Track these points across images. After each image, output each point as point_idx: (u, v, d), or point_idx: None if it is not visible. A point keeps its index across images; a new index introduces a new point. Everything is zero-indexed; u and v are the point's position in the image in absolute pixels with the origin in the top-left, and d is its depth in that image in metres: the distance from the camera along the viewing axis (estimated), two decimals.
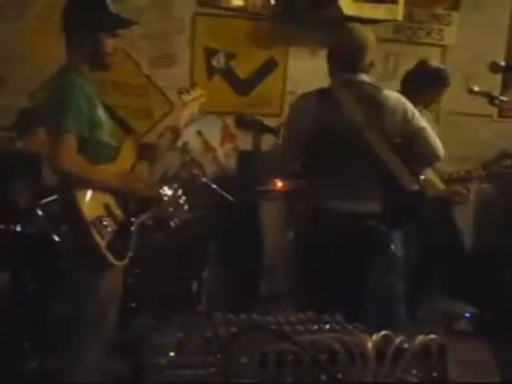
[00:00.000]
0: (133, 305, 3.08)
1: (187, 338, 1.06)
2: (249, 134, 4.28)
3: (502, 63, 2.23)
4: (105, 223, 2.22)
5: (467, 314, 4.12)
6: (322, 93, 2.68)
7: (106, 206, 2.26)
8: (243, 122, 3.67)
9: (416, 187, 2.63)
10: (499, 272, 4.17)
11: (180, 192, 3.47)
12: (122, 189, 2.32)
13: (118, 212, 2.30)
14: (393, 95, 2.63)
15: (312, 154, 2.69)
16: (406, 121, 2.60)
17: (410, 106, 2.64)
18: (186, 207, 3.46)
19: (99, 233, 2.19)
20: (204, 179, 3.65)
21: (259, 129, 3.44)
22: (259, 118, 3.46)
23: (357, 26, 2.69)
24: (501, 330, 3.66)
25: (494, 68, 2.17)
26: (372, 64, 2.65)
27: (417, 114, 2.64)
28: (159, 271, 3.25)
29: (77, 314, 2.31)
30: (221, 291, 3.48)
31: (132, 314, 3.01)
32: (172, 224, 3.35)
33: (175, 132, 2.60)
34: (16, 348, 2.82)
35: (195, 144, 4.14)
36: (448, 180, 3.45)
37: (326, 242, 2.58)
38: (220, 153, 4.47)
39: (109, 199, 2.28)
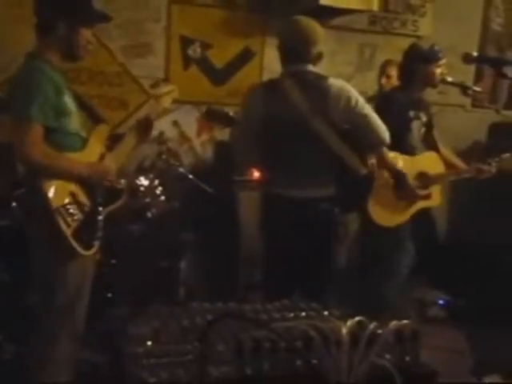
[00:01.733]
0: (109, 295, 3.07)
1: (164, 327, 1.07)
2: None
3: (475, 54, 2.27)
4: (71, 211, 2.20)
5: (441, 301, 4.20)
6: (268, 84, 2.81)
7: (73, 194, 2.23)
8: (211, 115, 3.68)
9: (363, 171, 2.76)
10: (472, 259, 4.25)
11: (156, 182, 3.46)
12: (89, 178, 2.31)
13: (85, 200, 2.29)
14: (337, 83, 2.69)
15: (263, 144, 2.78)
16: (349, 107, 2.66)
17: (354, 93, 2.70)
18: (162, 197, 3.45)
19: (64, 220, 2.17)
20: (181, 169, 3.63)
21: (227, 121, 3.47)
22: (226, 110, 3.49)
23: (303, 19, 2.75)
24: (473, 317, 3.74)
25: (467, 59, 2.20)
26: (320, 55, 2.71)
27: (361, 101, 2.71)
28: (136, 261, 3.24)
29: (46, 303, 2.30)
30: (198, 281, 3.49)
31: (108, 305, 3.00)
32: (149, 214, 3.34)
33: (147, 123, 2.58)
34: None
35: (171, 134, 4.12)
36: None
37: (281, 227, 2.70)
38: (196, 143, 4.46)
39: (75, 187, 2.26)
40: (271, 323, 0.95)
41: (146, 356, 0.97)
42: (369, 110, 2.75)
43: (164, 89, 2.71)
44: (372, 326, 0.93)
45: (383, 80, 4.10)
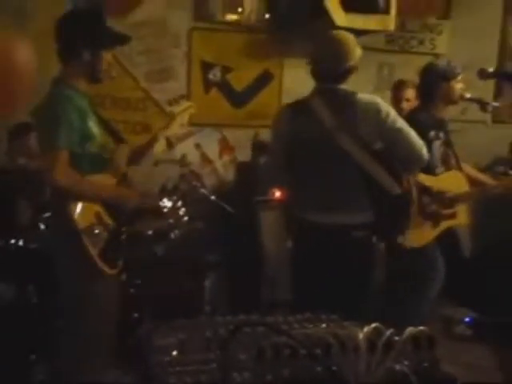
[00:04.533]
0: (135, 315, 3.12)
1: (189, 338, 1.11)
2: (246, 146, 4.35)
3: (490, 70, 2.29)
4: (96, 232, 2.27)
5: (467, 319, 4.15)
6: (297, 103, 2.72)
7: (97, 215, 2.31)
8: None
9: (398, 191, 2.57)
10: (498, 276, 4.20)
11: (180, 203, 3.53)
12: (113, 200, 2.37)
13: (108, 221, 2.35)
14: (365, 97, 2.58)
15: (292, 165, 2.69)
16: (380, 121, 2.53)
17: (384, 106, 2.57)
18: (185, 218, 3.51)
19: (91, 241, 2.24)
20: (203, 191, 3.70)
21: None
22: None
23: (333, 35, 2.68)
24: (500, 334, 3.69)
25: (482, 74, 2.23)
26: (351, 69, 2.60)
27: (393, 113, 2.57)
28: (160, 281, 3.29)
29: (74, 324, 2.35)
30: (222, 301, 3.52)
31: (135, 324, 3.04)
32: (172, 235, 3.40)
33: (168, 142, 2.65)
34: (22, 361, 2.85)
35: (194, 156, 4.20)
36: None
37: (314, 255, 2.54)
38: (218, 164, 4.53)
39: (99, 208, 2.33)
40: (291, 331, 0.99)
41: (171, 365, 1.01)
42: (403, 124, 2.59)
43: (182, 106, 2.76)
44: (388, 332, 0.96)
45: (404, 104, 4.05)
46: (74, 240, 2.23)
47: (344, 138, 2.52)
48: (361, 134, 2.52)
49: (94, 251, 2.24)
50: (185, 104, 2.78)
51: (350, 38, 2.64)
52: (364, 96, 2.59)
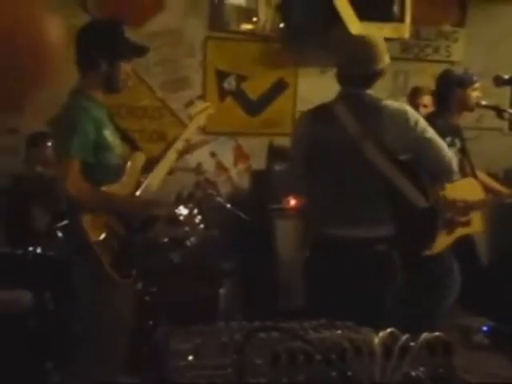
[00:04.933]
0: (150, 323, 3.13)
1: (204, 343, 1.12)
2: (261, 154, 4.36)
3: (506, 76, 2.28)
4: (109, 242, 2.29)
5: (485, 328, 4.11)
6: (319, 108, 2.58)
7: (109, 225, 2.32)
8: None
9: (424, 204, 2.40)
10: None
11: (195, 211, 3.54)
12: (126, 211, 2.39)
13: (121, 230, 2.37)
14: (393, 104, 2.45)
15: (311, 173, 2.55)
16: (408, 130, 2.38)
17: (413, 114, 2.43)
18: (201, 226, 3.53)
19: (103, 251, 2.25)
20: (219, 199, 3.71)
21: None
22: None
23: (360, 39, 2.57)
24: None
25: (498, 81, 2.23)
26: (378, 73, 2.46)
27: (422, 122, 2.42)
28: (176, 289, 3.30)
29: (89, 332, 2.37)
30: (237, 308, 3.52)
31: (150, 332, 3.06)
32: (188, 243, 3.41)
33: (186, 145, 2.63)
34: (39, 367, 2.88)
35: (209, 165, 4.22)
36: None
37: (330, 269, 2.39)
38: (233, 173, 4.55)
39: (113, 218, 2.34)
40: (306, 335, 0.99)
41: (187, 369, 1.02)
42: (432, 134, 2.44)
43: (198, 107, 2.72)
44: (404, 337, 0.96)
45: (421, 110, 4.05)
46: (86, 249, 2.25)
47: (368, 146, 2.37)
48: (386, 142, 2.37)
49: (106, 260, 2.26)
50: (202, 105, 2.75)
51: (380, 40, 2.51)
52: (391, 103, 2.46)
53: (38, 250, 3.13)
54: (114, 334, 2.36)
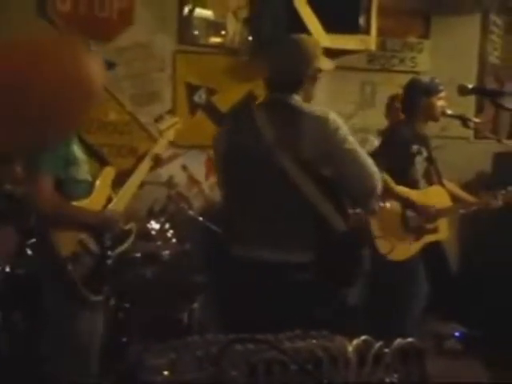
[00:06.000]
0: (124, 339, 3.10)
1: (179, 357, 1.11)
2: None
3: (470, 86, 2.34)
4: (80, 259, 2.27)
5: (457, 333, 4.17)
6: (236, 114, 2.35)
7: (81, 241, 2.31)
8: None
9: (343, 227, 2.09)
10: (487, 291, 4.24)
11: (167, 226, 3.52)
12: (97, 226, 2.37)
13: (93, 247, 2.35)
14: (316, 111, 2.10)
15: (226, 186, 2.30)
16: (325, 138, 2.06)
17: (335, 121, 2.08)
18: (173, 240, 3.51)
19: (74, 268, 2.23)
20: (191, 212, 3.70)
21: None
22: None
23: (289, 40, 2.31)
24: (491, 348, 3.71)
25: (462, 91, 2.28)
26: (304, 79, 2.18)
27: (343, 132, 2.09)
28: (149, 304, 3.27)
29: (60, 351, 2.33)
30: (211, 322, 3.51)
31: (123, 348, 3.02)
32: (161, 257, 3.39)
33: (156, 159, 2.64)
34: None
35: (181, 178, 4.21)
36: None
37: (243, 297, 2.11)
38: (205, 186, 4.54)
39: (83, 234, 2.32)
40: (281, 346, 1.00)
41: None
42: (354, 145, 2.10)
43: (168, 122, 2.75)
44: (378, 344, 0.97)
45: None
46: (57, 266, 2.22)
47: (284, 157, 2.05)
48: (305, 154, 2.06)
49: (78, 278, 2.24)
50: (171, 120, 2.77)
51: (312, 44, 2.26)
52: (316, 109, 2.12)
53: (7, 269, 3.07)
54: (86, 352, 2.33)
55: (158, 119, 2.71)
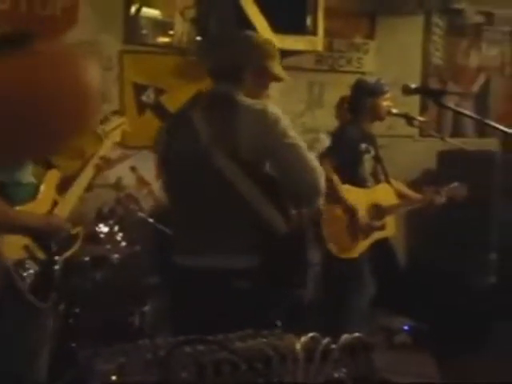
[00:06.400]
0: (73, 345, 3.03)
1: (128, 361, 1.10)
2: None
3: (413, 86, 2.40)
4: (26, 265, 2.21)
5: (406, 327, 4.27)
6: (176, 113, 2.26)
7: (26, 248, 2.24)
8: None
9: (284, 230, 1.96)
10: (431, 284, 4.36)
11: (116, 228, 3.47)
12: (42, 232, 2.31)
13: (39, 253, 2.29)
14: (255, 104, 1.97)
15: (166, 191, 2.23)
16: (263, 131, 1.92)
17: (274, 114, 1.95)
18: (123, 243, 3.46)
19: (20, 275, 2.17)
20: (140, 214, 3.65)
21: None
22: None
23: (236, 32, 2.29)
24: (440, 341, 3.82)
25: (406, 90, 2.33)
26: (242, 69, 2.06)
27: (283, 124, 1.96)
28: (100, 308, 3.21)
29: (6, 360, 2.27)
30: (163, 325, 3.48)
31: (72, 354, 2.96)
32: (110, 261, 3.34)
33: (103, 161, 2.59)
34: None
35: (130, 179, 4.15)
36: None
37: (191, 303, 2.00)
38: (155, 187, 4.49)
39: (29, 240, 2.26)
40: (232, 346, 1.00)
41: None
42: (296, 140, 1.97)
43: (113, 123, 2.68)
44: (325, 341, 0.98)
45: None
46: (2, 274, 2.15)
47: (221, 156, 1.93)
48: (243, 150, 1.92)
49: (23, 286, 2.18)
50: (117, 121, 2.72)
51: (266, 42, 2.18)
52: (254, 102, 1.99)
53: None
54: (35, 359, 2.27)
55: (104, 120, 2.65)
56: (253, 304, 1.89)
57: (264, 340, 1.16)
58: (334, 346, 0.98)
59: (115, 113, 2.83)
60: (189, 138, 2.02)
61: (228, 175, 1.94)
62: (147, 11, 4.36)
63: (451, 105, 2.76)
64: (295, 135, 1.98)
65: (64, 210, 2.40)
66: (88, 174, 2.51)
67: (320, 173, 1.97)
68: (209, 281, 1.93)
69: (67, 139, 0.89)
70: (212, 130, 1.97)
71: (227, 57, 2.09)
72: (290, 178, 1.97)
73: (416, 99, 4.87)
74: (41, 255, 2.29)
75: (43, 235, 2.31)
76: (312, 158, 1.99)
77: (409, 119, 3.55)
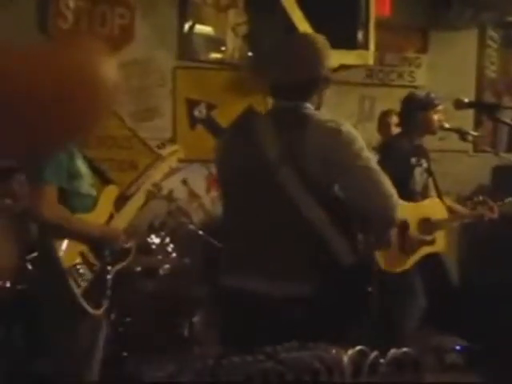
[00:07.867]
0: (124, 354, 3.09)
1: (178, 370, 1.12)
2: None
3: (466, 100, 2.36)
4: (81, 271, 2.28)
5: (458, 347, 4.15)
6: (235, 127, 2.05)
7: (82, 254, 2.32)
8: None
9: (351, 260, 1.78)
10: (488, 304, 4.23)
11: (168, 240, 3.54)
12: (99, 240, 2.38)
13: (94, 260, 2.36)
14: (328, 122, 1.80)
15: (225, 205, 2.03)
16: (336, 151, 1.77)
17: (349, 134, 1.79)
18: (174, 254, 3.52)
19: (75, 281, 2.24)
20: (191, 226, 3.71)
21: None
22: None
23: (297, 37, 2.12)
24: (492, 363, 3.69)
25: (458, 105, 2.30)
26: (317, 82, 1.88)
27: (358, 146, 1.79)
28: (150, 318, 3.27)
29: (59, 365, 2.33)
30: (212, 336, 3.50)
31: (123, 362, 3.02)
32: (161, 271, 3.40)
33: (155, 187, 2.69)
34: None
35: (181, 192, 4.22)
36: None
37: (240, 323, 1.86)
38: (206, 200, 4.56)
39: (84, 247, 2.34)
40: (278, 356, 1.01)
41: None
42: (371, 162, 1.82)
43: (169, 149, 2.81)
44: (373, 355, 0.98)
45: (393, 130, 4.13)
46: (59, 279, 2.23)
47: (288, 175, 1.78)
48: (310, 168, 1.77)
49: (78, 291, 2.25)
50: (172, 147, 2.85)
51: (323, 43, 1.93)
52: (328, 120, 1.82)
53: (7, 285, 3.07)
54: (87, 366, 2.33)
55: (160, 146, 2.79)
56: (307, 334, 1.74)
57: (311, 352, 1.16)
58: (382, 360, 0.98)
59: (170, 141, 2.99)
60: (252, 155, 1.87)
61: (293, 195, 1.77)
62: (200, 28, 4.46)
63: (506, 119, 2.70)
64: (370, 157, 1.84)
65: (118, 224, 2.48)
66: (140, 198, 2.60)
67: (395, 201, 1.80)
68: (260, 307, 1.79)
69: (88, 127, 0.93)
70: (280, 148, 1.80)
71: (295, 67, 1.87)
72: (361, 203, 1.81)
73: (470, 113, 4.78)
74: (95, 262, 2.36)
75: (98, 244, 2.38)
76: (388, 183, 1.81)
77: (462, 134, 3.48)
